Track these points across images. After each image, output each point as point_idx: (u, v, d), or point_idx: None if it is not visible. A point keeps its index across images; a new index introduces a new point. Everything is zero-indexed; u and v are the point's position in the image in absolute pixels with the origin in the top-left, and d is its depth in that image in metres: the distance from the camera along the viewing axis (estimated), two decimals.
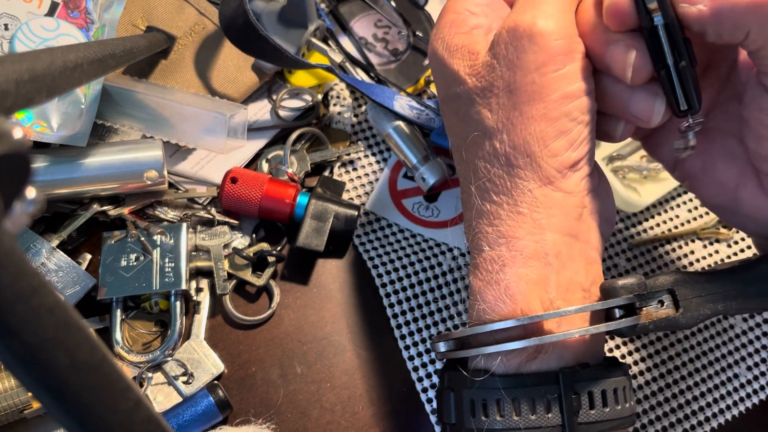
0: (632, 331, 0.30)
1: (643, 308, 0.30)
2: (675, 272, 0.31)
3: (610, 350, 0.45)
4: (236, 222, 0.47)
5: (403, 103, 0.48)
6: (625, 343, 0.45)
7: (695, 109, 0.31)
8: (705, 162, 0.35)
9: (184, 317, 0.43)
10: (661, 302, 0.30)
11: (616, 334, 0.31)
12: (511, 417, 0.29)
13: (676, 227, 0.49)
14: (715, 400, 0.43)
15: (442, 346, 0.32)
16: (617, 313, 0.31)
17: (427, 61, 0.52)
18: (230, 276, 0.45)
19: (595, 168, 0.34)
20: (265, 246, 0.45)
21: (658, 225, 0.49)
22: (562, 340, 0.30)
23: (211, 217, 0.46)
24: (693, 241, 0.49)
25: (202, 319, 0.44)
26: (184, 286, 0.42)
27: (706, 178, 0.35)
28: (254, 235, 0.47)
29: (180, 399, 0.41)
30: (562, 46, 0.31)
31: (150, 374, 0.42)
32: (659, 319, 0.30)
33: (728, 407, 0.43)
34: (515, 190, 0.31)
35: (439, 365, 0.43)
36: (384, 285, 0.45)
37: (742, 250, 0.49)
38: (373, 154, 0.50)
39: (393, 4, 0.52)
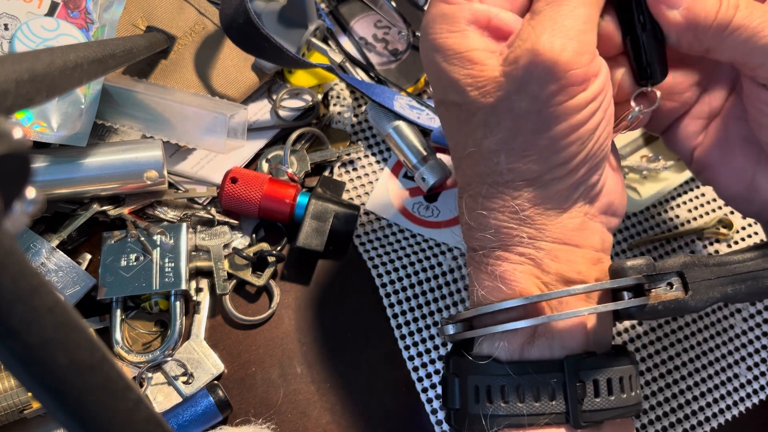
0: (641, 313, 0.30)
1: (652, 290, 0.30)
2: (684, 255, 0.31)
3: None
4: (236, 222, 0.47)
5: (403, 103, 0.48)
6: (624, 344, 0.45)
7: (655, 77, 0.32)
8: (723, 150, 0.35)
9: (184, 317, 0.43)
10: (671, 285, 0.30)
11: (625, 316, 0.31)
12: (515, 404, 0.29)
13: (676, 227, 0.49)
14: (715, 400, 0.43)
15: (451, 329, 0.33)
16: (626, 296, 0.30)
17: None
18: (230, 276, 0.45)
19: (609, 163, 0.33)
20: (265, 246, 0.45)
21: (658, 225, 0.49)
22: (566, 329, 0.30)
23: (211, 217, 0.46)
24: (693, 241, 0.49)
25: (202, 319, 0.44)
26: (184, 286, 0.42)
27: (725, 167, 0.36)
28: (254, 235, 0.47)
29: (180, 399, 0.41)
30: (578, 76, 0.29)
31: (150, 374, 0.42)
32: (668, 300, 0.30)
33: (728, 407, 0.43)
34: (506, 208, 0.31)
35: (439, 365, 0.43)
36: (384, 285, 0.45)
37: None
38: (373, 154, 0.50)
39: (393, 4, 0.52)
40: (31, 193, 0.17)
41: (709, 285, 0.30)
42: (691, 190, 0.50)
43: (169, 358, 0.42)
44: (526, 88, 0.29)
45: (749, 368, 0.45)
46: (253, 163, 0.49)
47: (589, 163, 0.31)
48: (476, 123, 0.31)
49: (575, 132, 0.29)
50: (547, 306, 0.31)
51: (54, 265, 0.42)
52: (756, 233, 0.49)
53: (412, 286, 0.45)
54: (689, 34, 0.31)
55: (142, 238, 0.43)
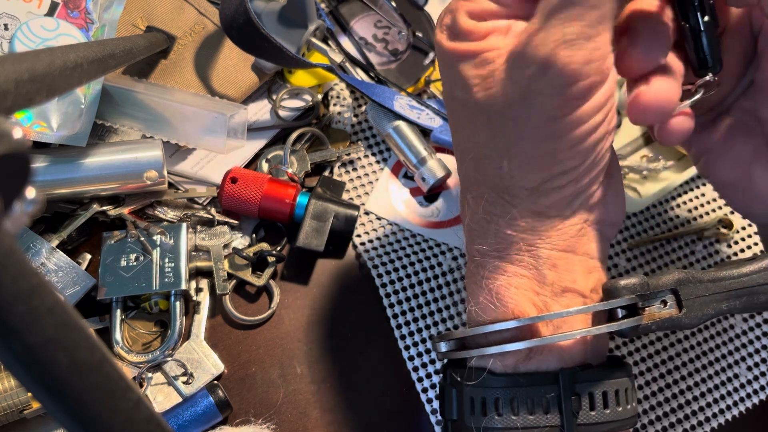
0: (634, 332, 0.30)
1: (646, 308, 0.30)
2: (678, 271, 0.31)
3: (610, 351, 0.45)
4: (236, 222, 0.47)
5: (403, 103, 0.48)
6: (625, 344, 0.45)
7: (716, 67, 0.31)
8: (724, 138, 0.36)
9: (184, 317, 0.43)
10: (664, 302, 0.30)
11: (618, 334, 0.31)
12: (509, 416, 0.29)
13: (676, 227, 0.49)
14: (715, 401, 0.43)
15: (443, 346, 0.32)
16: (620, 313, 0.30)
17: (427, 61, 0.52)
18: (230, 276, 0.45)
19: (609, 170, 0.32)
20: (265, 246, 0.45)
21: (658, 225, 0.49)
22: (563, 344, 0.30)
23: (211, 217, 0.46)
24: (693, 241, 0.49)
25: (202, 319, 0.44)
26: (184, 286, 0.42)
27: (723, 153, 0.36)
28: (254, 235, 0.47)
29: (180, 399, 0.41)
30: (583, 88, 0.27)
31: (150, 374, 0.42)
32: (662, 319, 0.30)
33: (728, 407, 0.43)
34: (507, 213, 0.31)
35: (439, 365, 0.43)
36: (384, 285, 0.45)
37: (742, 250, 0.49)
38: (373, 154, 0.50)
39: (393, 4, 0.52)
40: (31, 193, 0.17)
41: (703, 302, 0.30)
42: (691, 190, 0.50)
43: (169, 358, 0.42)
44: (530, 98, 0.28)
45: (749, 368, 0.45)
46: (253, 163, 0.49)
47: (590, 173, 0.30)
48: (480, 125, 0.30)
49: (578, 145, 0.29)
50: (542, 324, 0.30)
51: (54, 265, 0.42)
52: (756, 233, 0.49)
53: (412, 286, 0.45)
54: None
55: (142, 238, 0.43)
